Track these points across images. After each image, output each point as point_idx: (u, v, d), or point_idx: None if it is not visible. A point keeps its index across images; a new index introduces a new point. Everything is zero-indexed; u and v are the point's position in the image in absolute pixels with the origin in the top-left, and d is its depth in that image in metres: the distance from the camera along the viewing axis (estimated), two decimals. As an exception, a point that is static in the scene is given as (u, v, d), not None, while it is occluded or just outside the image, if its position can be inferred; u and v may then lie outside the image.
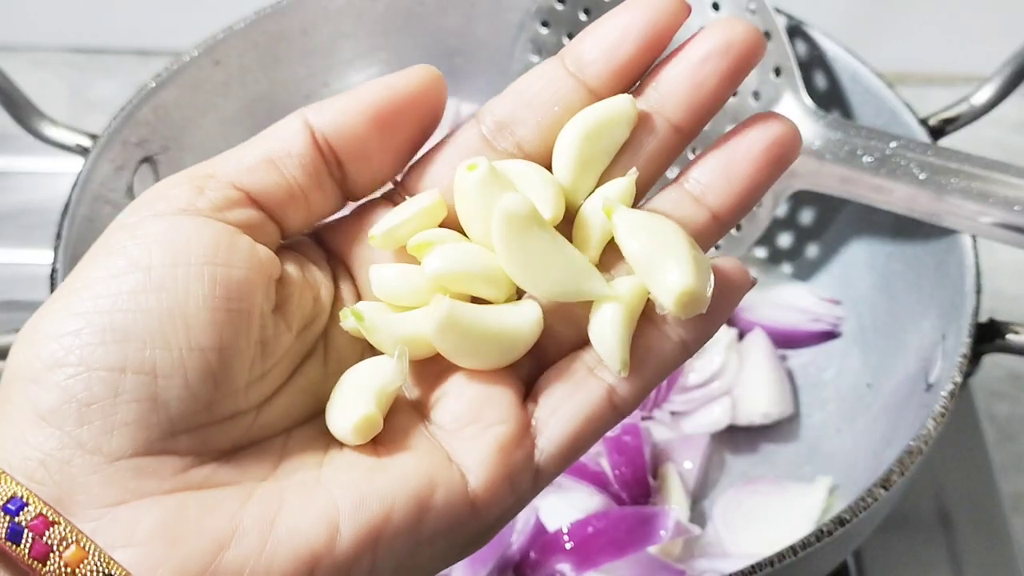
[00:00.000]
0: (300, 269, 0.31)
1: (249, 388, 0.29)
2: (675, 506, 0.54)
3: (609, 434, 0.54)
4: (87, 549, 0.26)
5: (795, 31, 0.60)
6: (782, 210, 0.63)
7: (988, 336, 0.49)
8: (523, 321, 0.30)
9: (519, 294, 0.31)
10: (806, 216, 0.64)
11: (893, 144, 0.51)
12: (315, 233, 0.33)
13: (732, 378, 0.59)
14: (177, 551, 0.26)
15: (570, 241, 0.31)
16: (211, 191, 0.30)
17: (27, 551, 0.26)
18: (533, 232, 0.30)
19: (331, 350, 0.31)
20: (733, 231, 0.59)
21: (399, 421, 0.30)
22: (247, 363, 0.29)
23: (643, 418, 0.57)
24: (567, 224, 0.32)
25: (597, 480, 0.53)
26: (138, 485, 0.27)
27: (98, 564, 0.26)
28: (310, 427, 0.30)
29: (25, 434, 0.27)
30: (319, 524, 0.27)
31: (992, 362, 0.51)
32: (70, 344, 0.27)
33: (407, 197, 0.32)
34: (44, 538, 0.26)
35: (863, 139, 0.52)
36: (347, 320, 0.31)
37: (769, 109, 0.56)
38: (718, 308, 0.30)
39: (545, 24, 0.61)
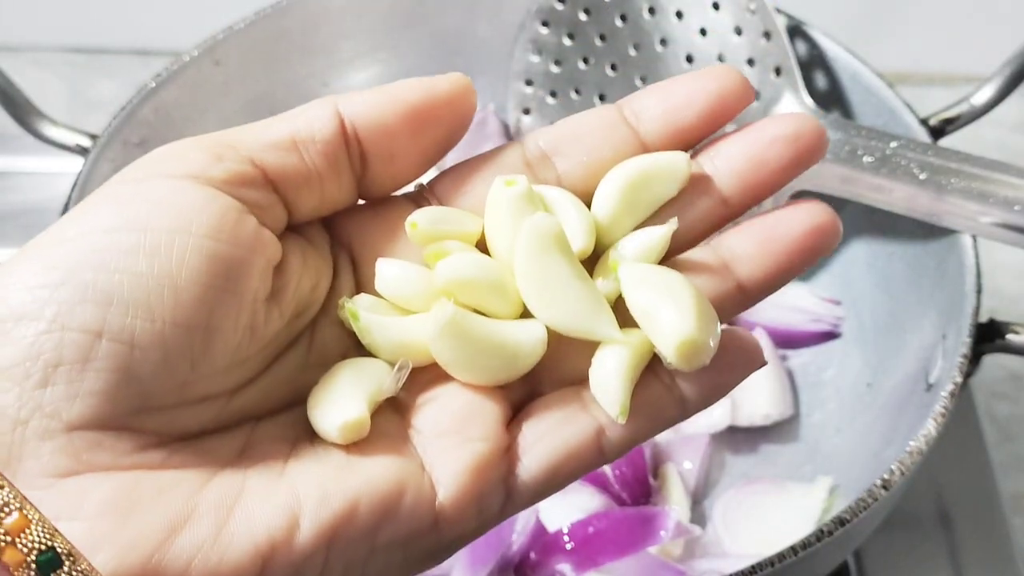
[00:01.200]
0: (302, 255, 0.30)
1: (228, 372, 0.28)
2: (675, 506, 0.54)
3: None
4: (31, 518, 0.24)
5: (795, 31, 0.60)
6: (782, 210, 0.63)
7: (988, 336, 0.49)
8: (527, 340, 0.29)
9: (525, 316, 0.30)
10: (806, 216, 0.64)
11: (893, 144, 0.51)
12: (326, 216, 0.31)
13: (732, 378, 0.59)
14: (126, 529, 0.25)
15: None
16: (228, 161, 0.28)
17: None
18: (556, 256, 0.29)
19: (315, 341, 0.30)
20: (733, 231, 0.59)
21: (377, 420, 0.29)
22: (231, 347, 0.27)
23: (643, 418, 0.57)
24: (592, 263, 0.31)
25: (597, 480, 0.53)
26: (92, 457, 0.25)
27: (41, 535, 0.24)
28: (281, 417, 0.29)
29: None
30: (279, 515, 0.26)
31: (992, 362, 0.51)
32: (45, 297, 0.25)
33: (432, 201, 0.31)
34: None
35: (863, 139, 0.52)
36: (342, 311, 0.30)
37: (770, 109, 0.56)
38: (724, 376, 0.30)
39: (545, 24, 0.61)
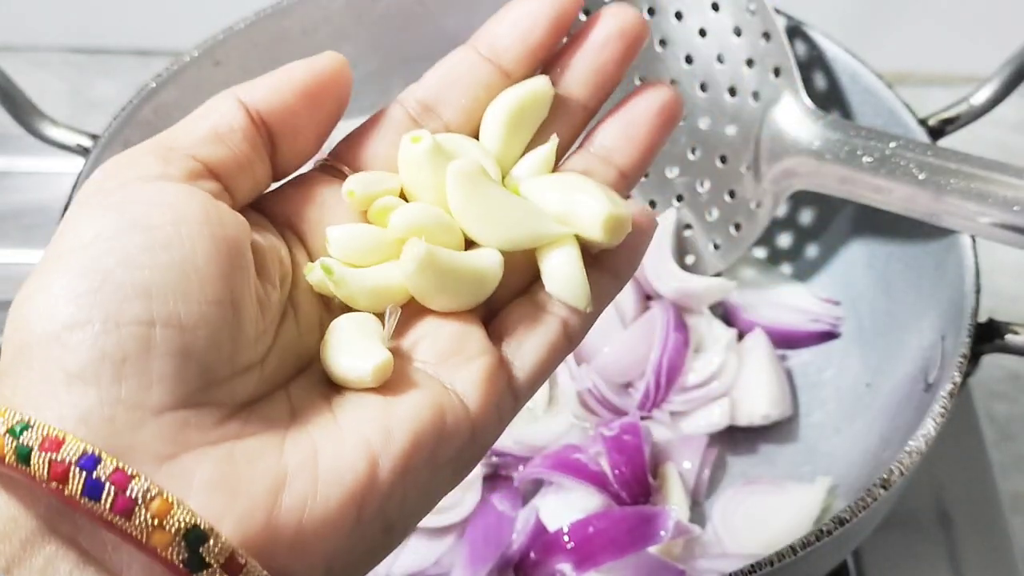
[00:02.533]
0: (260, 234, 0.32)
1: (256, 342, 0.30)
2: (675, 506, 0.54)
3: (609, 434, 0.54)
4: (170, 501, 0.26)
5: (795, 31, 0.60)
6: (782, 210, 0.63)
7: (987, 336, 0.49)
8: (488, 265, 0.33)
9: (468, 247, 0.34)
10: (806, 216, 0.64)
11: (893, 144, 0.52)
12: (255, 203, 0.34)
13: (731, 378, 0.59)
14: (238, 500, 0.27)
15: None
16: (176, 161, 0.30)
17: (108, 506, 0.25)
18: (483, 188, 0.33)
19: (299, 309, 0.32)
20: (732, 231, 0.59)
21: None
22: (253, 318, 0.29)
23: (642, 418, 0.57)
24: None
25: (597, 480, 0.53)
26: (184, 438, 0.27)
27: (184, 515, 0.26)
28: (300, 381, 0.31)
29: (57, 393, 0.26)
30: (360, 460, 0.28)
31: (991, 362, 0.51)
32: (90, 302, 0.27)
33: (344, 168, 0.34)
34: (127, 492, 0.25)
35: (863, 139, 0.52)
36: (313, 273, 0.32)
37: (768, 109, 0.56)
38: (637, 243, 0.34)
39: (545, 24, 0.61)
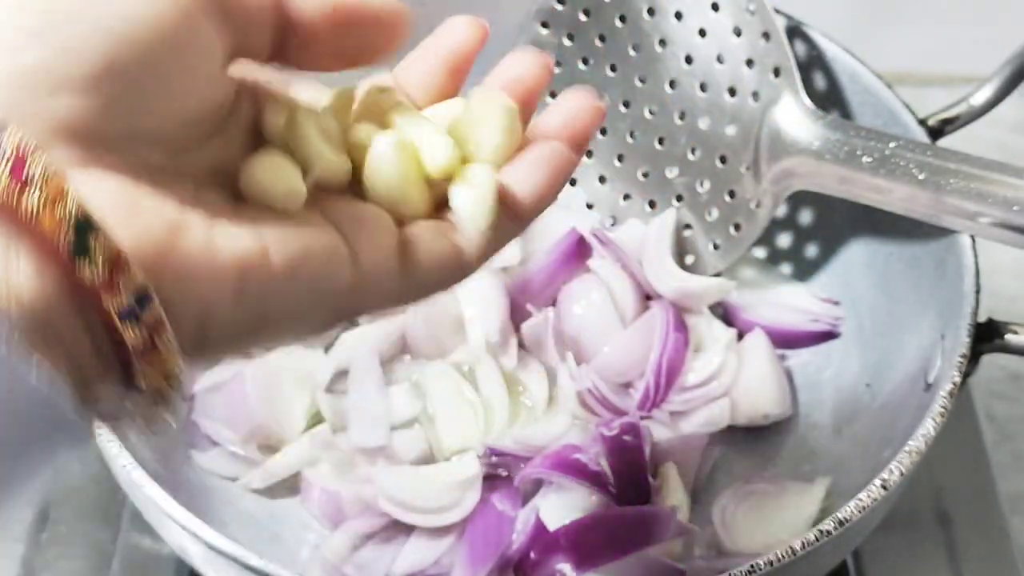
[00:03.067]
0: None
1: (188, 117, 0.30)
2: (675, 506, 0.54)
3: (609, 434, 0.54)
4: (68, 187, 0.26)
5: (795, 31, 0.60)
6: (781, 210, 0.63)
7: (987, 336, 0.49)
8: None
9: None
10: (805, 216, 0.64)
11: (892, 144, 0.52)
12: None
13: (731, 378, 0.59)
14: (139, 219, 0.28)
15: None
16: None
17: (6, 169, 0.25)
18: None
19: (231, 139, 0.33)
20: (732, 231, 0.59)
21: (305, 207, 0.33)
22: (192, 89, 0.30)
23: (642, 418, 0.57)
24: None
25: (597, 480, 0.53)
26: (96, 156, 0.28)
27: (79, 204, 0.26)
28: (215, 189, 0.32)
29: None
30: (252, 241, 0.30)
31: (991, 362, 0.51)
32: (41, 18, 0.27)
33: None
34: (25, 162, 0.25)
35: (862, 139, 0.52)
36: (275, 109, 0.33)
37: (768, 109, 0.56)
38: (552, 169, 0.35)
39: (545, 25, 0.61)
